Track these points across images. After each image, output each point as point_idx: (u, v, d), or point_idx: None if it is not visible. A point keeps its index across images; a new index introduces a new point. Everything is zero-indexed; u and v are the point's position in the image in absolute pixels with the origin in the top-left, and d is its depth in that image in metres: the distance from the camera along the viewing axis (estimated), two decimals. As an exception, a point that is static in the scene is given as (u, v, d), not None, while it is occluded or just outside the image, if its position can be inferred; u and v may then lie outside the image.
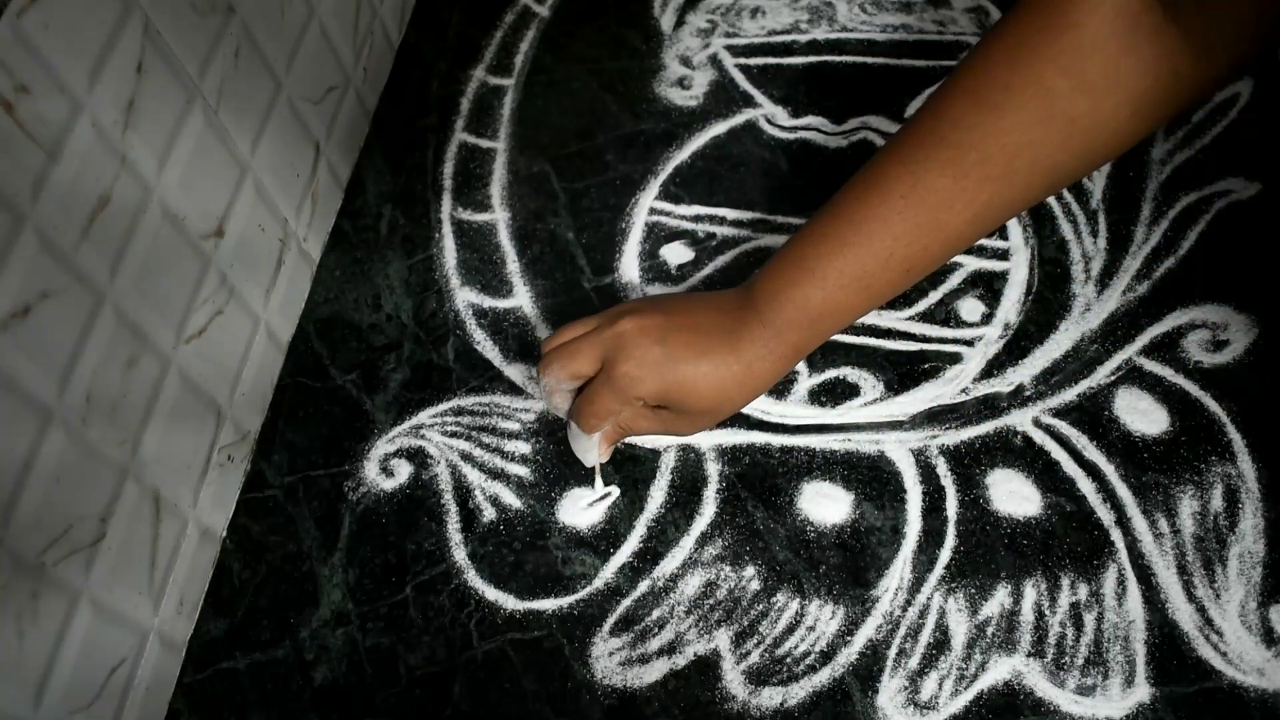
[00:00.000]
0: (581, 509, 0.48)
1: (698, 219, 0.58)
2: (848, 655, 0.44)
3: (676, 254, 0.57)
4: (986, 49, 0.40)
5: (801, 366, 0.52)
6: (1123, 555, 0.45)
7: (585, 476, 0.49)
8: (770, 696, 0.43)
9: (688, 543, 0.47)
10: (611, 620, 0.45)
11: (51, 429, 0.37)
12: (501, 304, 0.56)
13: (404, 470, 0.50)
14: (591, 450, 0.47)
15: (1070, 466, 0.47)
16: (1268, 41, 0.36)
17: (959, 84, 0.40)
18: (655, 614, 0.45)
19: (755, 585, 0.46)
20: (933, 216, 0.41)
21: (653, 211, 0.59)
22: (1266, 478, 0.46)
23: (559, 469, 0.50)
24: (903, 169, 0.41)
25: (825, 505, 0.48)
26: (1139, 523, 0.46)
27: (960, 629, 0.44)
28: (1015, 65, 0.38)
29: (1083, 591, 0.44)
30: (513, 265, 0.57)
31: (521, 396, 0.52)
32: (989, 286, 0.54)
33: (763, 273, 0.45)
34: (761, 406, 0.51)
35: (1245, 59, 0.37)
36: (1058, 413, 0.49)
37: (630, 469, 0.49)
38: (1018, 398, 0.50)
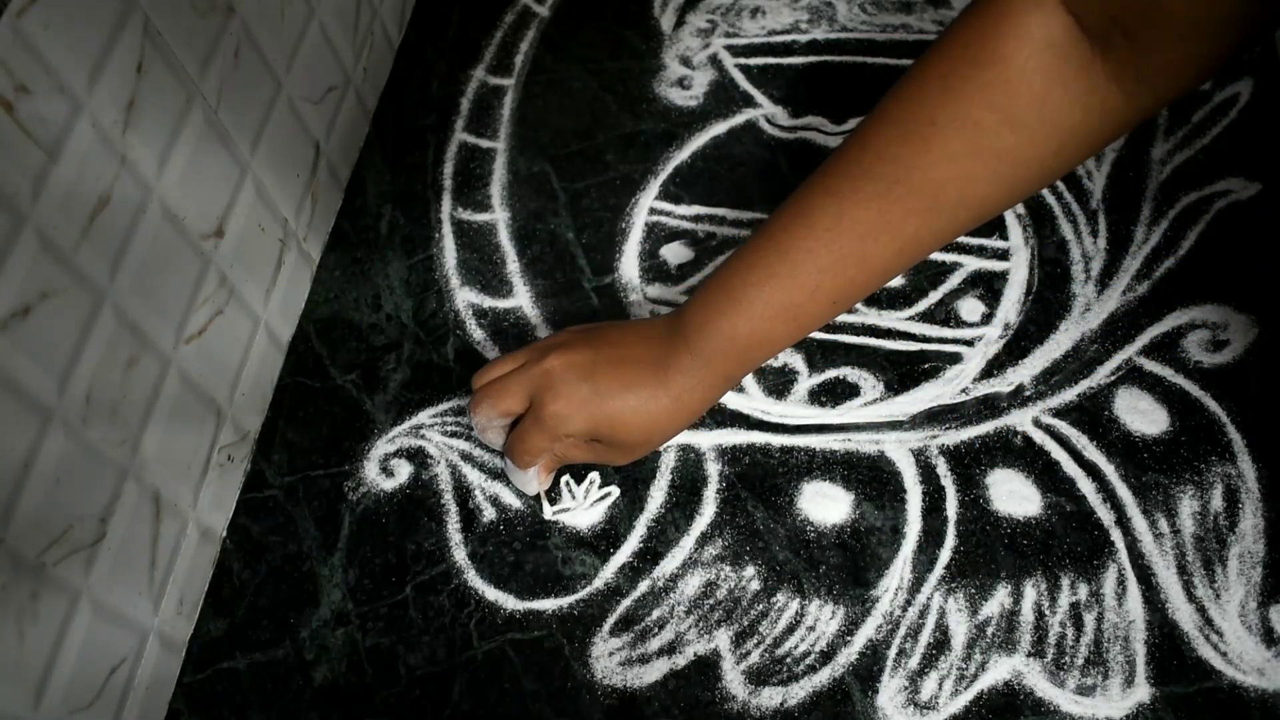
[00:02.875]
0: (583, 509, 0.48)
1: (698, 219, 0.58)
2: (848, 655, 0.44)
3: (676, 254, 0.57)
4: (914, 80, 0.39)
5: (801, 366, 0.52)
6: (1123, 555, 0.45)
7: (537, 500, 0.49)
8: (770, 696, 0.43)
9: (688, 543, 0.47)
10: (611, 620, 0.45)
11: (51, 429, 0.37)
12: (501, 304, 0.56)
13: (404, 470, 0.50)
14: (530, 481, 0.47)
15: (1070, 466, 0.47)
16: (1199, 78, 0.36)
17: (887, 115, 0.40)
18: (655, 614, 0.45)
19: (755, 585, 0.46)
20: (858, 248, 0.40)
21: (653, 211, 0.59)
22: (1266, 478, 0.46)
23: (558, 469, 0.50)
24: (829, 199, 0.40)
25: (825, 505, 0.48)
26: (1139, 523, 0.46)
27: (960, 629, 0.44)
28: (942, 98, 0.38)
29: (1083, 591, 0.44)
30: (513, 265, 0.57)
31: (521, 396, 0.52)
32: (989, 286, 0.54)
33: (691, 302, 0.44)
34: (761, 406, 0.51)
35: (1177, 93, 0.37)
36: (1058, 413, 0.49)
37: (630, 469, 0.49)
38: (1018, 398, 0.50)
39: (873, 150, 0.40)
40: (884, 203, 0.39)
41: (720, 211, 0.58)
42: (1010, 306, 0.53)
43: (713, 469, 0.49)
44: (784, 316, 0.42)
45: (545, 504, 0.48)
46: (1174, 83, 0.36)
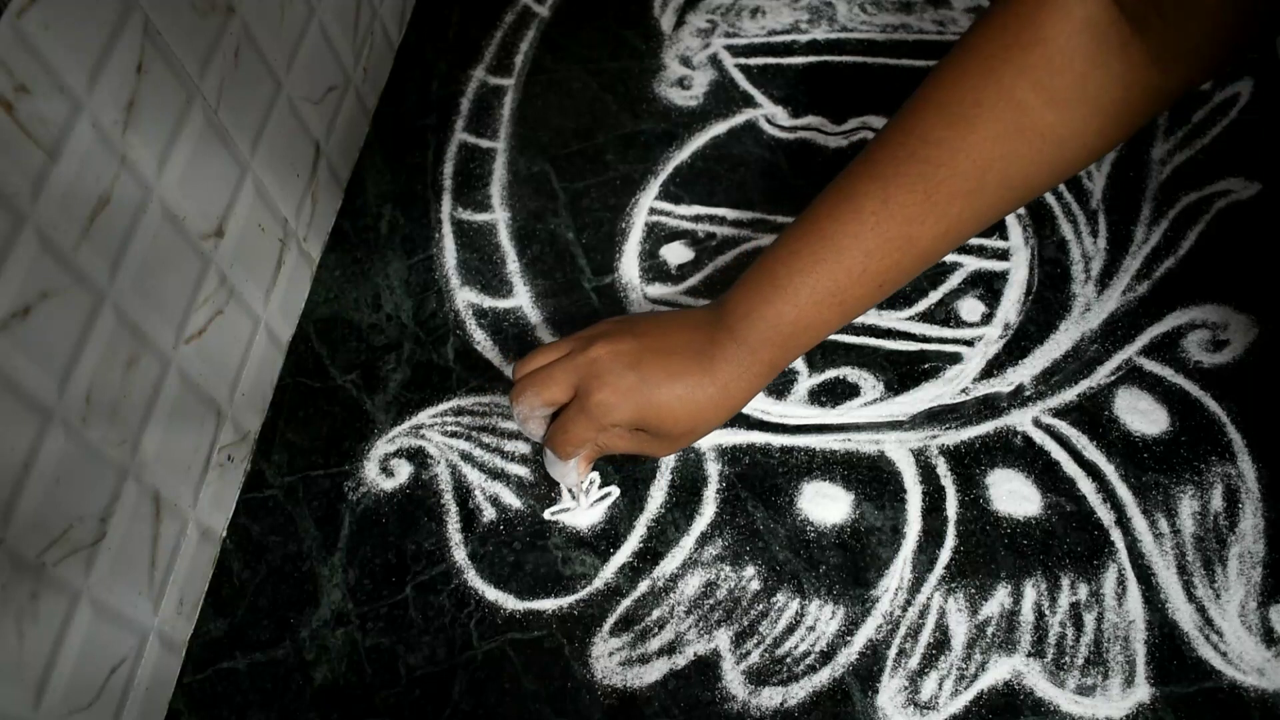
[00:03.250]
0: (584, 510, 0.48)
1: (698, 219, 0.58)
2: (848, 655, 0.44)
3: (676, 254, 0.57)
4: (955, 64, 0.40)
5: (801, 366, 0.52)
6: (1123, 555, 0.45)
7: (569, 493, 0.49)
8: (770, 696, 0.43)
9: (688, 543, 0.47)
10: (611, 620, 0.45)
11: (51, 429, 0.37)
12: (501, 304, 0.56)
13: (404, 470, 0.50)
14: (570, 473, 0.46)
15: (1070, 466, 0.47)
16: (1234, 52, 0.37)
17: (929, 98, 0.40)
18: (655, 614, 0.45)
19: (755, 585, 0.46)
20: (904, 231, 0.41)
21: (653, 211, 0.59)
22: (1266, 478, 0.46)
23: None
24: (874, 184, 0.41)
25: (825, 505, 0.48)
26: (1139, 523, 0.46)
27: (960, 629, 0.44)
28: (985, 80, 0.38)
29: (1083, 591, 0.44)
30: (513, 265, 0.57)
31: (521, 396, 0.52)
32: (989, 286, 0.54)
33: (735, 290, 0.44)
34: (761, 406, 0.51)
35: (1213, 69, 0.37)
36: (1058, 413, 0.49)
37: (630, 469, 0.49)
38: (1018, 398, 0.50)
39: (916, 135, 0.40)
40: (929, 185, 0.40)
41: (720, 211, 0.58)
42: (1010, 306, 0.53)
43: (713, 469, 0.49)
44: (830, 301, 0.42)
45: (581, 497, 0.48)
46: (1207, 60, 0.37)
